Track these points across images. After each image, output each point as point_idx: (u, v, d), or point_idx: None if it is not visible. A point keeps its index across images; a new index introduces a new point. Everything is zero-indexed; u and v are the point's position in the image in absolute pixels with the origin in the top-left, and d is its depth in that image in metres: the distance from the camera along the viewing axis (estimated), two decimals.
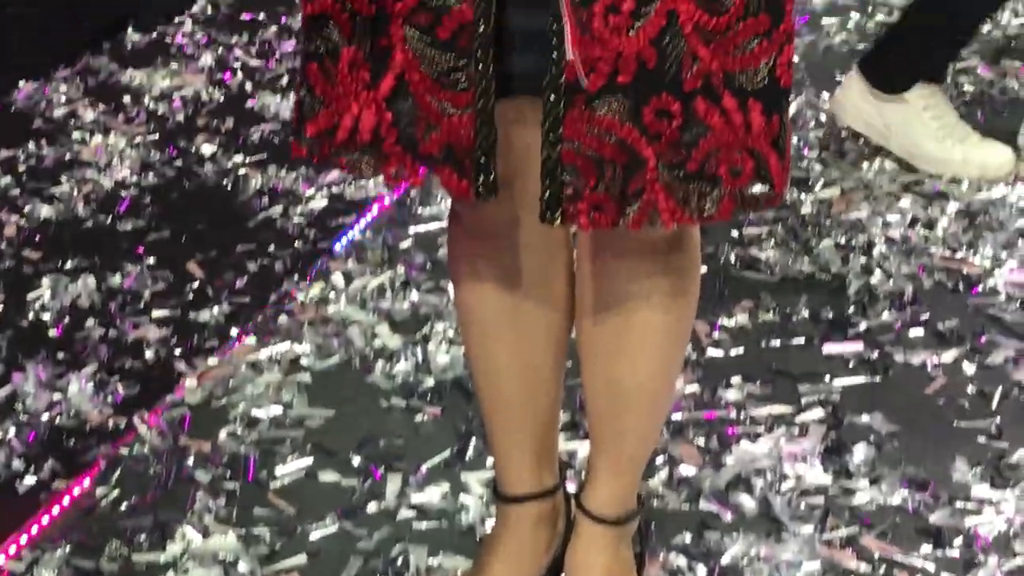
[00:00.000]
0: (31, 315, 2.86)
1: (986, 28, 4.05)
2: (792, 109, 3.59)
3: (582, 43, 1.57)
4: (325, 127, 1.70)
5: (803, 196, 3.20)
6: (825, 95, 3.67)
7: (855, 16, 4.17)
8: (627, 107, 1.59)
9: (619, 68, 1.58)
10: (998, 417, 2.48)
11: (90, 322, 2.82)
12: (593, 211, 1.63)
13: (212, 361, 2.67)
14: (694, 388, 2.55)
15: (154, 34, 4.18)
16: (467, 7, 1.58)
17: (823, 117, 3.57)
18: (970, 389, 2.56)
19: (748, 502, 2.29)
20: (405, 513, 2.29)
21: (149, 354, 2.71)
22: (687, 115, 1.60)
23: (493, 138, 1.64)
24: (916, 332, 2.72)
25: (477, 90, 1.61)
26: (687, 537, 2.23)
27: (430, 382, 2.59)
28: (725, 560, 2.18)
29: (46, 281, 2.95)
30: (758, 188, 1.66)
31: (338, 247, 3.06)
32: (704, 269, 2.87)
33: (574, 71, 1.58)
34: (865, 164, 3.34)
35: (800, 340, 2.70)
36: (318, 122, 1.71)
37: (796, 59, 3.85)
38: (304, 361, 2.66)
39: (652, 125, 1.60)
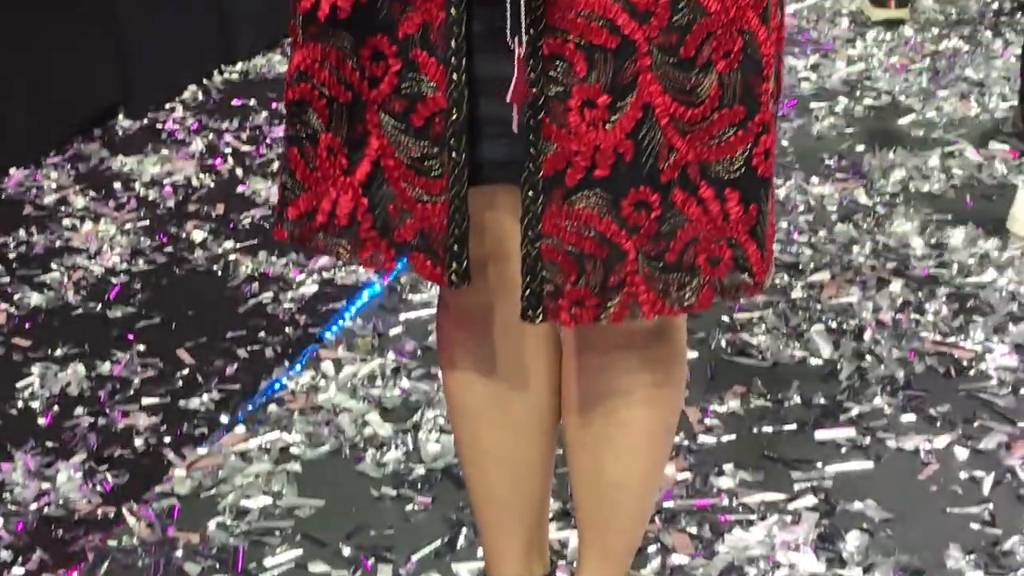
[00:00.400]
0: (20, 403, 2.84)
1: (974, 112, 4.09)
2: (781, 193, 3.61)
3: (558, 137, 1.57)
4: (305, 210, 1.72)
5: (793, 281, 3.20)
6: (814, 179, 3.68)
7: (843, 101, 4.20)
8: (606, 200, 1.60)
9: (596, 162, 1.58)
10: (991, 503, 2.46)
11: (79, 410, 2.80)
12: (574, 307, 1.64)
13: (201, 451, 2.65)
14: (686, 475, 2.54)
15: (145, 120, 4.20)
16: (440, 95, 1.59)
17: (812, 201, 3.58)
18: (963, 475, 2.55)
19: None
20: None
21: (138, 442, 2.70)
22: (665, 206, 1.61)
23: (466, 226, 1.64)
24: (908, 417, 2.71)
25: (450, 178, 1.62)
26: None
27: (421, 471, 2.57)
28: None
29: (36, 369, 2.94)
30: (737, 277, 1.66)
31: (328, 335, 3.05)
32: (695, 354, 2.90)
33: (552, 165, 1.58)
34: (855, 248, 3.34)
35: (792, 426, 2.69)
36: (298, 205, 1.72)
37: (785, 143, 3.89)
38: (294, 450, 2.65)
39: (631, 217, 1.60)
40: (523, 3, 1.52)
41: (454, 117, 1.60)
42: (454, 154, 1.61)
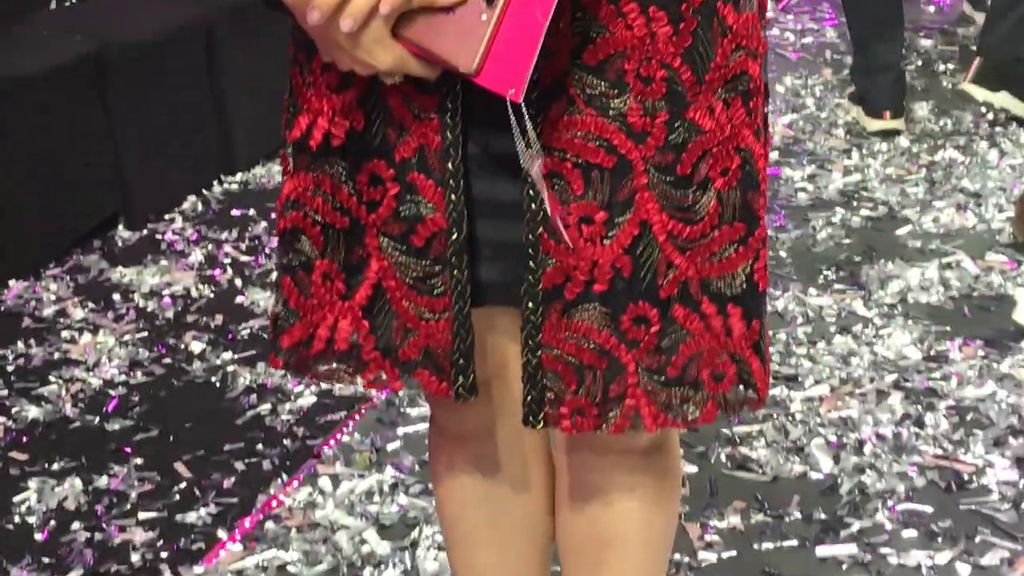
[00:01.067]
0: (17, 518, 2.83)
1: (971, 222, 4.10)
2: (779, 305, 3.61)
3: (557, 252, 1.58)
4: (301, 338, 1.71)
5: (792, 394, 3.20)
6: (812, 291, 3.69)
7: (840, 211, 4.21)
8: (604, 314, 1.60)
9: (595, 277, 1.59)
10: None
11: (76, 525, 2.79)
12: (575, 415, 1.63)
13: (198, 569, 2.64)
14: None
15: (144, 231, 4.21)
16: (440, 216, 1.60)
17: (811, 313, 3.58)
18: None
19: None
20: None
21: (135, 558, 2.68)
22: (665, 321, 1.61)
23: (471, 340, 1.64)
24: (909, 533, 2.70)
25: (453, 294, 1.62)
26: None
27: None
28: None
29: (33, 483, 2.93)
30: (741, 393, 1.66)
31: (327, 449, 3.04)
32: (695, 469, 2.89)
33: (551, 279, 1.59)
34: (854, 360, 3.34)
35: (793, 542, 2.68)
36: (293, 334, 1.71)
37: (783, 254, 3.90)
38: (292, 569, 2.63)
39: (630, 331, 1.60)
40: (529, 127, 1.53)
41: (454, 236, 1.60)
42: (456, 272, 1.61)
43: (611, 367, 1.61)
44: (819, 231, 4.08)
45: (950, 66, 5.36)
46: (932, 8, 6.20)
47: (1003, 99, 4.63)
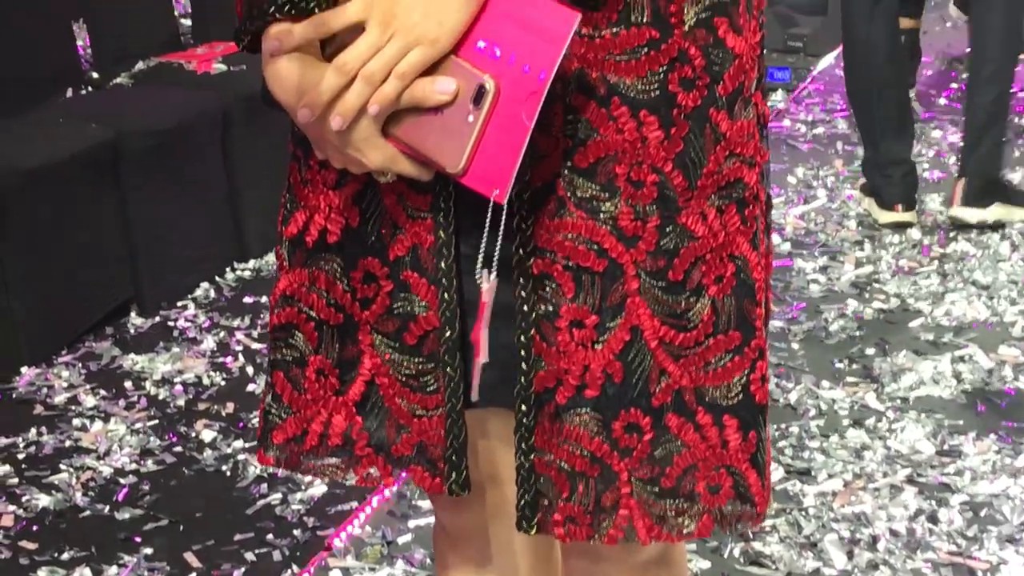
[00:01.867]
0: None
1: (984, 316, 4.10)
2: (792, 397, 3.60)
3: (548, 355, 1.57)
4: (294, 434, 1.70)
5: (806, 488, 3.18)
6: (825, 383, 3.68)
7: (853, 304, 4.21)
8: (596, 420, 1.58)
9: (586, 382, 1.57)
10: None
11: None
12: (568, 523, 1.61)
13: None
14: None
15: (157, 318, 4.22)
16: (433, 314, 1.59)
17: (823, 406, 3.57)
18: None
19: None
20: None
21: None
22: (658, 430, 1.59)
23: (463, 436, 1.63)
24: None
25: (447, 391, 1.61)
26: None
27: None
28: None
29: (42, 573, 2.92)
30: (738, 507, 1.63)
31: (337, 541, 3.03)
32: (707, 564, 2.87)
33: (543, 382, 1.57)
34: (867, 454, 3.33)
35: None
36: (286, 429, 1.70)
37: (795, 347, 3.89)
38: None
39: (622, 439, 1.58)
40: (505, 229, 1.52)
41: (447, 335, 1.59)
42: (449, 369, 1.60)
43: (603, 475, 1.59)
44: (831, 323, 4.07)
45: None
46: (943, 100, 6.23)
47: (995, 212, 4.65)
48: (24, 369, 3.85)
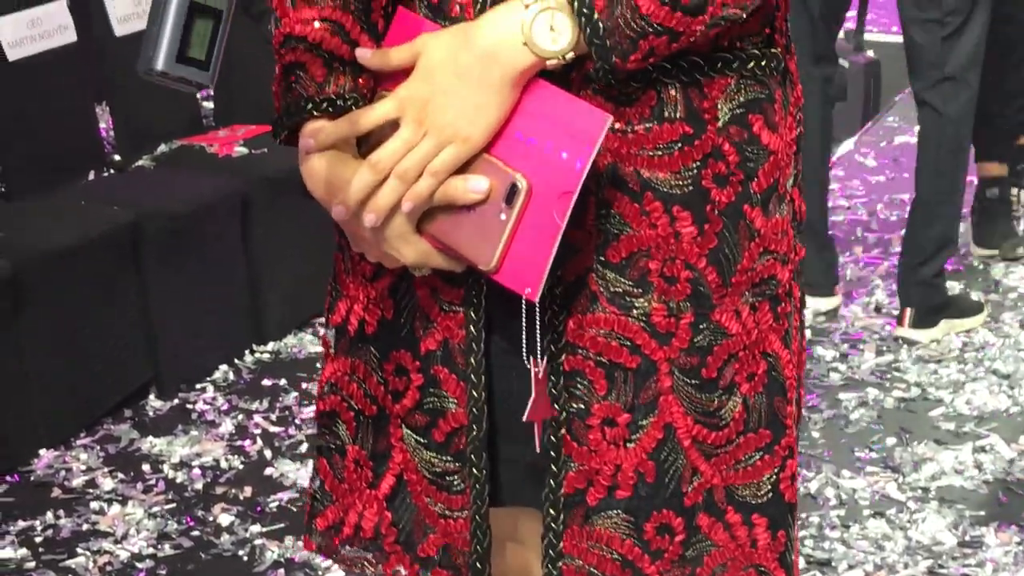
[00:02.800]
0: None
1: (1004, 405, 4.08)
2: (812, 487, 3.58)
3: (579, 455, 1.56)
4: (333, 522, 1.70)
5: None
6: (845, 473, 3.66)
7: (873, 392, 4.19)
8: (628, 522, 1.56)
9: (618, 482, 1.55)
10: None
11: None
12: None
13: None
14: None
15: (175, 400, 4.21)
16: (461, 411, 1.58)
17: (844, 496, 3.55)
18: None
19: None
20: None
21: None
22: (690, 531, 1.57)
23: (488, 542, 1.61)
24: None
25: (472, 492, 1.60)
26: None
27: None
28: None
29: None
30: None
31: None
32: None
33: (573, 484, 1.56)
34: (888, 545, 3.31)
35: None
36: (327, 517, 1.71)
37: (815, 435, 3.87)
38: None
39: (654, 541, 1.57)
40: (539, 324, 1.52)
41: (475, 433, 1.58)
42: (475, 470, 1.59)
43: None
44: (852, 412, 4.06)
45: (981, 252, 5.36)
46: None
47: (944, 327, 4.59)
48: (42, 451, 3.84)
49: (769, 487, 1.60)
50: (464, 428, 1.58)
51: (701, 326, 1.54)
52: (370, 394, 1.64)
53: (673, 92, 1.50)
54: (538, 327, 1.53)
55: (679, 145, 1.51)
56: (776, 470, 1.60)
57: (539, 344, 1.54)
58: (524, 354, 1.54)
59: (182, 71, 1.32)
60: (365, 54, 1.50)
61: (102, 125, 4.86)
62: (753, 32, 1.53)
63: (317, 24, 1.52)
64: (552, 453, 1.56)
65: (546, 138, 1.44)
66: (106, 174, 4.68)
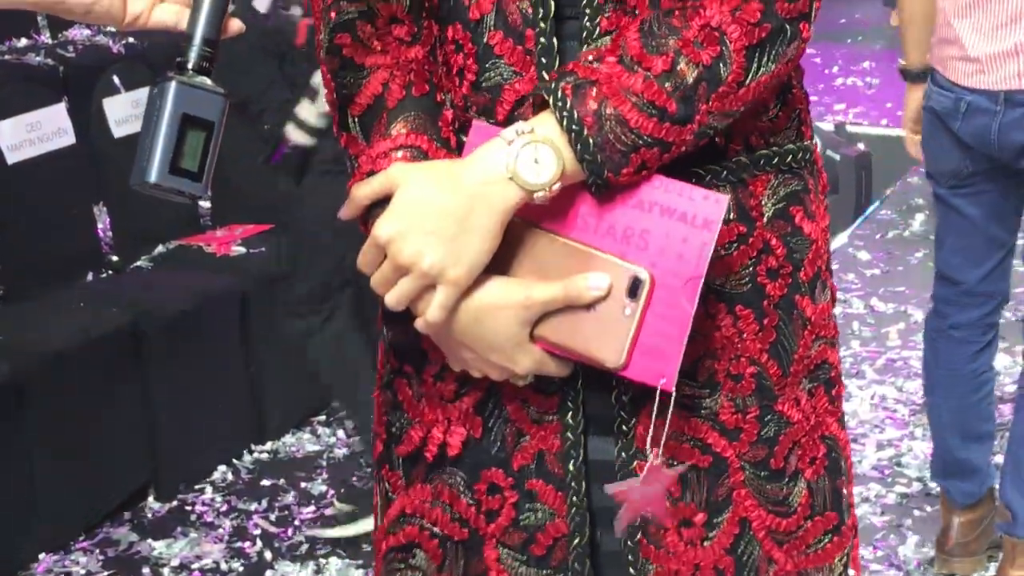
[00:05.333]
0: None
1: None
2: None
3: (657, 558, 1.55)
4: None
5: None
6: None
7: (876, 487, 4.18)
8: None
9: None
10: None
11: None
12: None
13: None
14: None
15: (175, 502, 4.19)
16: (561, 521, 1.57)
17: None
18: None
19: None
20: None
21: None
22: None
23: None
24: None
25: None
26: None
27: None
28: None
29: None
30: None
31: None
32: None
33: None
34: None
35: None
36: None
37: None
38: None
39: None
40: (636, 424, 1.51)
41: (576, 542, 1.57)
42: None
43: None
44: (855, 507, 4.03)
45: None
46: None
47: None
48: (42, 555, 3.82)
49: (841, 568, 1.60)
50: (564, 538, 1.57)
51: (766, 418, 1.55)
52: (459, 517, 1.60)
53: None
54: (624, 428, 1.52)
55: (736, 245, 1.52)
56: (847, 550, 1.61)
57: (602, 451, 1.53)
58: (647, 449, 1.51)
59: (175, 183, 1.31)
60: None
61: (100, 226, 4.87)
62: (784, 127, 1.55)
63: (399, 154, 1.52)
64: (630, 557, 1.56)
65: (661, 227, 1.44)
66: (104, 275, 4.68)
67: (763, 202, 1.53)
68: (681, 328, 1.43)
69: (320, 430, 4.70)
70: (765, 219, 1.53)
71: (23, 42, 5.09)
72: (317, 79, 3.75)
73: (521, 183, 1.42)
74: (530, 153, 1.42)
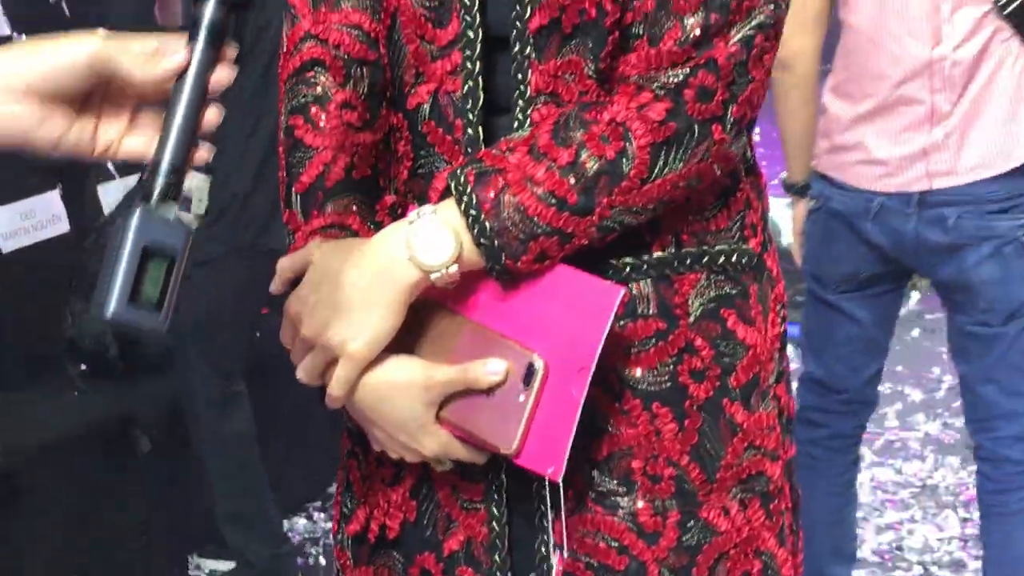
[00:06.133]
0: None
1: None
2: None
3: None
4: None
5: None
6: None
7: (877, 572, 4.15)
8: None
9: None
10: None
11: None
12: None
13: None
14: None
15: None
16: None
17: None
18: None
19: None
20: None
21: None
22: None
23: None
24: None
25: None
26: None
27: None
28: None
29: None
30: None
31: None
32: None
33: None
34: None
35: None
36: None
37: None
38: None
39: None
40: (549, 518, 1.50)
41: None
42: None
43: None
44: None
45: None
46: None
47: None
48: None
49: None
50: None
51: (688, 524, 1.52)
52: None
53: (645, 289, 1.51)
54: (549, 521, 1.51)
55: (654, 341, 1.51)
56: None
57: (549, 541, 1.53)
58: (548, 550, 1.52)
59: (133, 317, 1.27)
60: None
61: None
62: (722, 229, 1.55)
63: (329, 231, 1.55)
64: None
65: (559, 315, 1.44)
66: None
67: (689, 301, 1.52)
68: (569, 417, 1.43)
69: (316, 515, 4.67)
70: (691, 318, 1.52)
71: None
72: (186, 186, 3.84)
73: (418, 263, 1.44)
74: (428, 234, 1.44)
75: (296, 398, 4.29)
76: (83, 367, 4.19)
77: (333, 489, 4.42)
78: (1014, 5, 2.94)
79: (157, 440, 4.17)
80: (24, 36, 5.44)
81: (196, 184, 3.88)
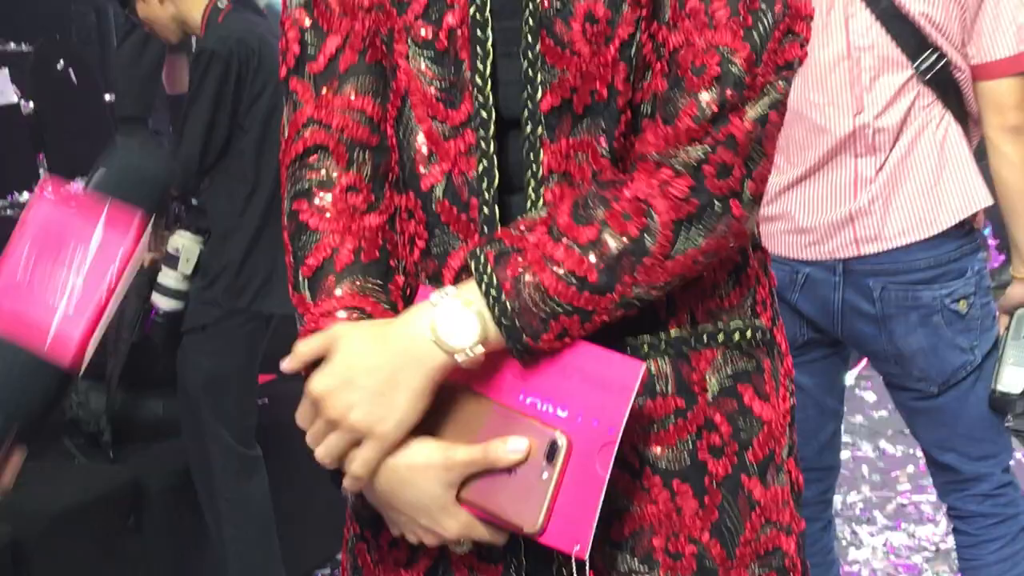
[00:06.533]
0: None
1: None
2: None
3: None
4: None
5: None
6: None
7: None
8: None
9: None
10: None
11: None
12: None
13: None
14: None
15: None
16: None
17: None
18: None
19: None
20: None
21: None
22: None
23: None
24: None
25: None
26: None
27: None
28: None
29: None
30: None
31: None
32: None
33: None
34: None
35: None
36: None
37: None
38: None
39: None
40: None
41: None
42: None
43: None
44: None
45: None
46: None
47: None
48: None
49: None
50: None
51: None
52: None
53: (663, 367, 1.51)
54: None
55: (673, 419, 1.51)
56: None
57: None
58: None
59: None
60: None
61: None
62: (735, 306, 1.55)
63: (343, 314, 1.53)
64: None
65: (581, 391, 1.44)
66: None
67: (707, 378, 1.53)
68: (594, 494, 1.42)
69: None
70: (710, 395, 1.52)
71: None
72: (174, 245, 3.88)
73: (443, 345, 1.43)
74: (452, 316, 1.43)
75: (302, 463, 4.28)
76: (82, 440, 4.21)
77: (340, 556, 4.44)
78: (933, 71, 2.93)
79: (161, 508, 4.15)
80: (31, 103, 5.48)
81: (185, 244, 3.95)
